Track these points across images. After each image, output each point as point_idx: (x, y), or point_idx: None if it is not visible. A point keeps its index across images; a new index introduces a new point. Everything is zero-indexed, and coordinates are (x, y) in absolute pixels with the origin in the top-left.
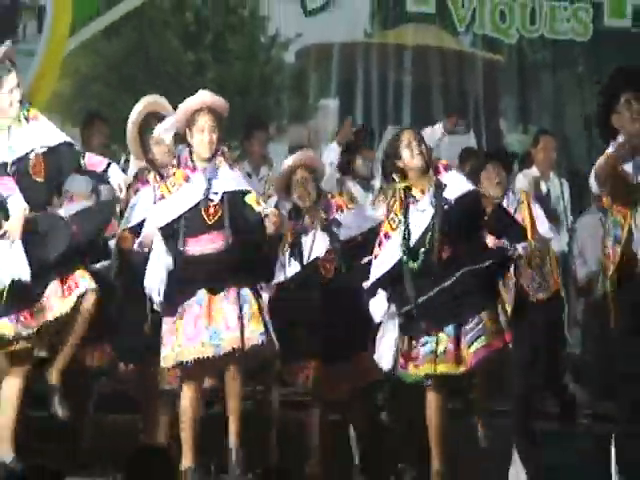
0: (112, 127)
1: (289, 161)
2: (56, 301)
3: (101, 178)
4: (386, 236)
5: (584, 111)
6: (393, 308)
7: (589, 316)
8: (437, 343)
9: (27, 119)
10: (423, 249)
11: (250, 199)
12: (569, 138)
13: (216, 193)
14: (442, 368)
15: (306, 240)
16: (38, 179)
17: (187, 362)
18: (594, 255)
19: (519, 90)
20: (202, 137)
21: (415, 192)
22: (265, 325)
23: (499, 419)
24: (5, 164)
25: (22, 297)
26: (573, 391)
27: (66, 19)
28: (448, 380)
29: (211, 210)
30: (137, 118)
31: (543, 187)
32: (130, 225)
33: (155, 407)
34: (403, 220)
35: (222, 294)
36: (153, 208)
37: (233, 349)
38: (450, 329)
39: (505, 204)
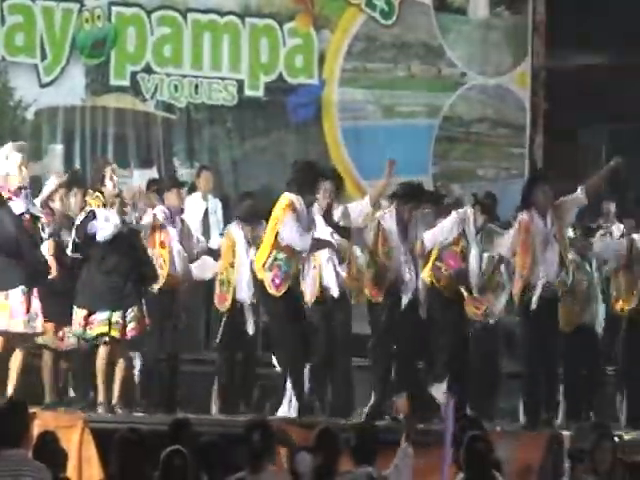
0: None
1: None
2: None
3: None
4: None
5: (231, 153)
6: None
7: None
8: (111, 317)
9: None
10: None
11: None
12: (221, 172)
13: None
14: (114, 332)
15: None
16: None
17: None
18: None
19: (187, 138)
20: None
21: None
22: None
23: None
24: None
25: None
26: None
27: None
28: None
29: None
30: None
31: (203, 205)
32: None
33: None
34: None
35: None
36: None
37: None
38: (120, 311)
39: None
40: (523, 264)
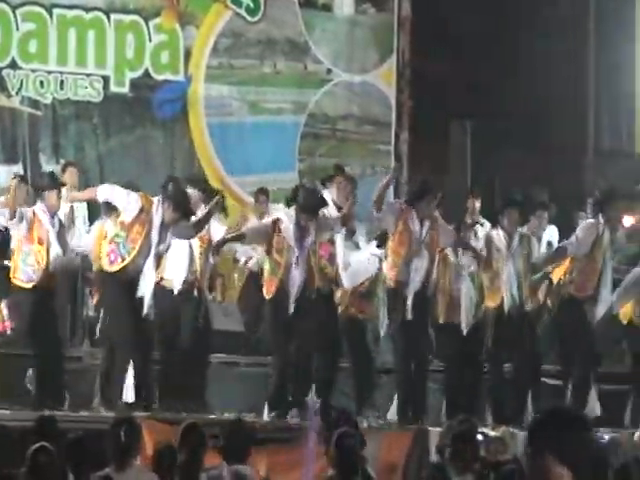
0: None
1: None
2: None
3: None
4: None
5: (97, 149)
6: None
7: None
8: None
9: None
10: None
11: None
12: (87, 167)
13: None
14: None
15: None
16: None
17: None
18: None
19: (53, 134)
20: None
21: None
22: None
23: None
24: None
25: None
26: None
27: None
28: None
29: None
30: None
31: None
32: None
33: None
34: None
35: None
36: None
37: None
38: None
39: None
40: (396, 252)
